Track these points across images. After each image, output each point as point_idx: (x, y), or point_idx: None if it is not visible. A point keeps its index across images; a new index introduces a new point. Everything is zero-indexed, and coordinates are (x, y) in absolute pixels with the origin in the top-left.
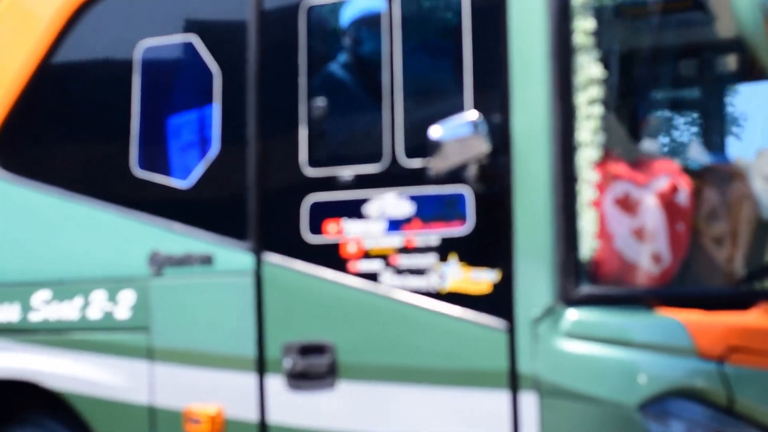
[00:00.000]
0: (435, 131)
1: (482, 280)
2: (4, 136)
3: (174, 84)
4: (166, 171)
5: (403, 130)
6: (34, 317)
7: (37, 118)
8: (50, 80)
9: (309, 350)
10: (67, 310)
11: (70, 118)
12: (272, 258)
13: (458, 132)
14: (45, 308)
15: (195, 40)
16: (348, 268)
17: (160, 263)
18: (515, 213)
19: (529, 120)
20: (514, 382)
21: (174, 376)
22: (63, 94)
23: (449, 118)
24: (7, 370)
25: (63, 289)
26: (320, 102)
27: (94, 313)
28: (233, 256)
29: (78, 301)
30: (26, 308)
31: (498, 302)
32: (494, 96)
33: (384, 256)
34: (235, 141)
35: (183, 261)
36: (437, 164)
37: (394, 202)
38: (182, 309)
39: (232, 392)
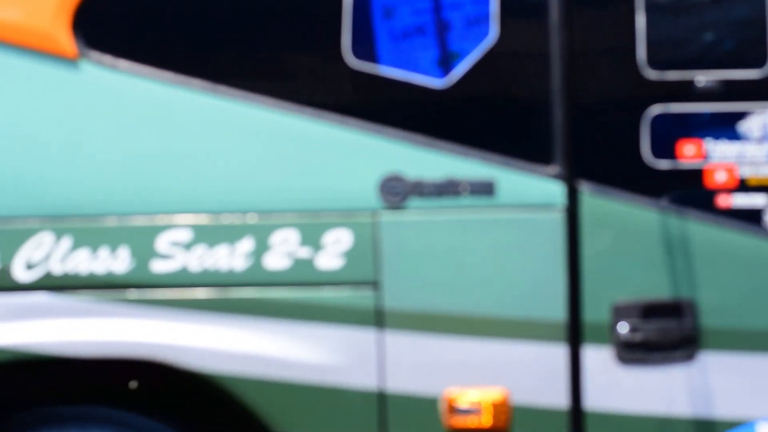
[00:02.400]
0: None
1: None
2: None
3: None
4: (404, 61)
5: None
6: (162, 267)
7: None
8: None
9: (656, 311)
10: (226, 258)
11: None
12: (592, 188)
13: None
14: (182, 254)
15: None
16: (715, 203)
17: (402, 192)
18: None
19: None
20: None
21: (418, 350)
22: None
23: None
24: (119, 346)
25: (215, 228)
26: None
27: (278, 263)
28: (529, 185)
29: (245, 244)
30: (148, 253)
31: None
32: None
33: None
34: (528, 23)
35: (444, 189)
36: None
37: None
38: (435, 256)
39: (522, 370)
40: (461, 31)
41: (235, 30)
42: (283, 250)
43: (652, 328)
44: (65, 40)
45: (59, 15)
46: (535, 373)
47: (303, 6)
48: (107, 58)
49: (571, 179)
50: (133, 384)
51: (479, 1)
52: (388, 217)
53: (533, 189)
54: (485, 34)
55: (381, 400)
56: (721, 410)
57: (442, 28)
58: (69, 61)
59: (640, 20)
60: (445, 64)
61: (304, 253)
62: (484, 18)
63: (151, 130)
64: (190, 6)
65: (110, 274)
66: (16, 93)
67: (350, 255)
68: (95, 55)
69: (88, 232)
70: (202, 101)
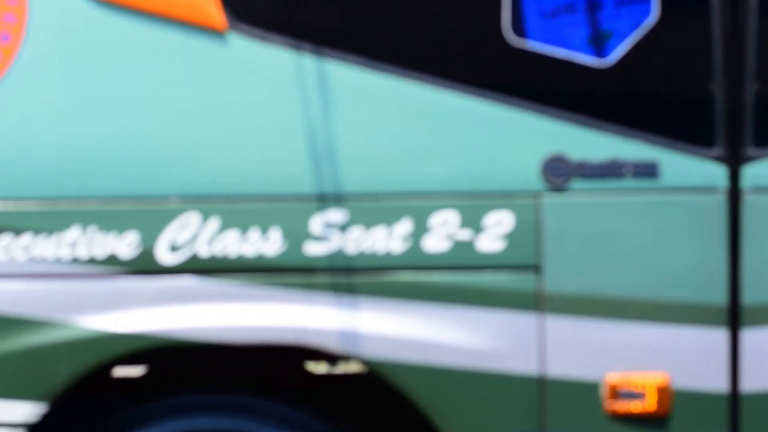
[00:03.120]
0: None
1: None
2: None
3: None
4: (562, 39)
5: None
6: (317, 249)
7: None
8: None
9: None
10: (383, 241)
11: None
12: (758, 171)
13: None
14: (336, 237)
15: None
16: None
17: (566, 173)
18: None
19: None
20: None
21: (579, 334)
22: None
23: None
24: (269, 332)
25: (372, 209)
26: None
27: (437, 245)
28: (692, 167)
29: (404, 226)
30: (301, 236)
31: None
32: None
33: None
34: (690, 2)
35: (607, 171)
36: None
37: None
38: (597, 239)
39: (684, 354)
40: (619, 10)
41: (395, 6)
42: (443, 232)
43: None
44: (215, 12)
45: None
46: (696, 357)
47: None
48: (256, 31)
49: (733, 162)
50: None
51: None
52: (550, 198)
53: (696, 171)
54: (646, 13)
55: (541, 385)
56: None
57: (598, 7)
58: (218, 33)
59: None
60: (602, 43)
61: (464, 235)
62: None
63: (301, 106)
64: None
65: (261, 257)
66: (164, 67)
67: (511, 237)
68: (244, 27)
69: (238, 213)
70: (357, 77)
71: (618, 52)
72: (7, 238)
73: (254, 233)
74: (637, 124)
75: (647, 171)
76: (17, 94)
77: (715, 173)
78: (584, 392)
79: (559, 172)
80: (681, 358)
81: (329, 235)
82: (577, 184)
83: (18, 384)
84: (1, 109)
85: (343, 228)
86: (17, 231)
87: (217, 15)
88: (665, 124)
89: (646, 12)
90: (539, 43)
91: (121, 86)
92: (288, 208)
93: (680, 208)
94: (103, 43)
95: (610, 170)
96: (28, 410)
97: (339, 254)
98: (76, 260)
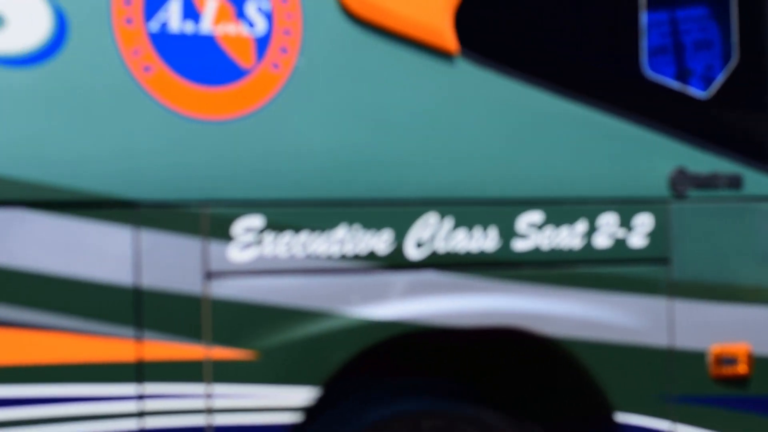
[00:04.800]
0: None
1: None
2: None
3: None
4: (678, 74)
5: None
6: (521, 246)
7: None
8: None
9: None
10: (567, 238)
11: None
12: None
13: None
14: (536, 235)
15: None
16: None
17: (686, 183)
18: None
19: None
20: None
21: (697, 314)
22: None
23: None
24: (487, 316)
25: (561, 211)
26: None
27: (603, 242)
28: (764, 180)
29: (581, 226)
30: (509, 234)
31: None
32: None
33: None
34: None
35: (709, 182)
36: None
37: None
38: (707, 237)
39: (762, 328)
40: (716, 51)
41: (574, 45)
42: (607, 231)
43: None
44: (450, 36)
45: (445, 12)
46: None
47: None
48: (478, 56)
49: None
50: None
51: (721, 25)
52: (675, 203)
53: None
54: (731, 56)
55: (670, 355)
56: None
57: (700, 48)
58: (449, 55)
59: None
60: (706, 79)
61: (621, 233)
62: (728, 42)
63: (512, 126)
64: (542, 23)
65: (482, 253)
66: (407, 82)
67: (651, 235)
68: (469, 51)
69: (466, 214)
70: (552, 103)
71: (712, 87)
72: (287, 236)
73: (477, 232)
74: (726, 144)
75: (733, 183)
76: (295, 102)
77: None
78: (698, 359)
79: (681, 182)
80: (759, 331)
81: (530, 233)
82: (692, 192)
83: (298, 370)
84: (282, 117)
85: (540, 227)
86: (296, 229)
87: (450, 39)
88: (749, 146)
89: (731, 54)
90: (664, 77)
91: (374, 98)
92: (501, 211)
93: (760, 212)
94: (359, 58)
95: (712, 181)
96: (306, 395)
97: (537, 250)
98: (343, 256)
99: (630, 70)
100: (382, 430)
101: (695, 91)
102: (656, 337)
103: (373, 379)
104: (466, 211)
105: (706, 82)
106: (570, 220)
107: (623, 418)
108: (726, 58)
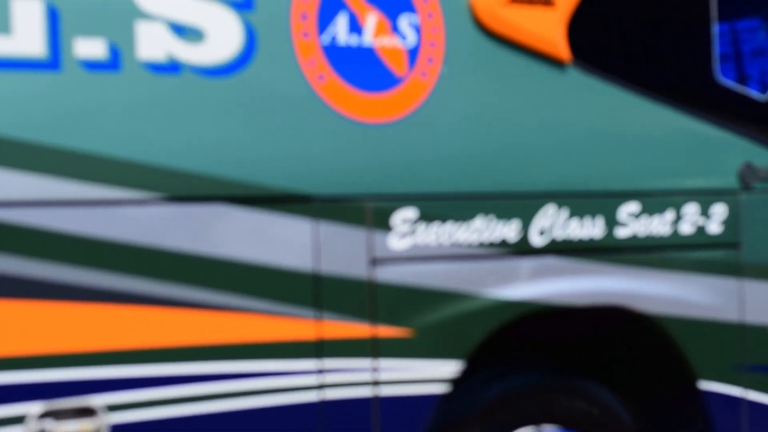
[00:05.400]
0: None
1: None
2: (583, 28)
3: None
4: (743, 79)
5: None
6: (622, 233)
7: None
8: None
9: None
10: (659, 226)
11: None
12: None
13: None
14: (634, 223)
15: None
16: None
17: (752, 176)
18: None
19: None
20: None
21: (762, 292)
22: None
23: None
24: (592, 295)
25: (654, 202)
26: None
27: (687, 229)
28: None
29: (670, 215)
30: (612, 223)
31: None
32: None
33: None
34: None
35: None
36: None
37: None
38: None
39: None
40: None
41: (663, 58)
42: (691, 219)
43: None
44: (563, 47)
45: (559, 26)
46: None
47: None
48: (586, 64)
49: None
50: None
51: None
52: (744, 195)
53: None
54: None
55: (741, 328)
56: None
57: (758, 52)
58: (562, 64)
59: None
60: (762, 83)
61: (702, 221)
62: None
63: (609, 126)
64: (641, 38)
65: (591, 240)
66: (526, 89)
67: (725, 223)
68: (580, 62)
69: (577, 206)
70: (639, 104)
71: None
72: (436, 226)
73: (587, 221)
74: None
75: None
76: (440, 106)
77: None
78: (763, 332)
79: (748, 176)
80: None
81: (629, 222)
82: (758, 184)
83: (446, 346)
84: (430, 120)
85: (637, 216)
86: (443, 220)
87: (564, 50)
88: None
89: None
90: (733, 82)
91: (503, 102)
92: (605, 202)
93: None
94: (490, 66)
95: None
96: (453, 368)
97: (633, 237)
98: (481, 244)
99: (705, 76)
100: (505, 402)
101: (755, 94)
102: (729, 313)
103: (502, 355)
104: (578, 203)
105: (763, 86)
106: (661, 209)
107: (704, 385)
108: None
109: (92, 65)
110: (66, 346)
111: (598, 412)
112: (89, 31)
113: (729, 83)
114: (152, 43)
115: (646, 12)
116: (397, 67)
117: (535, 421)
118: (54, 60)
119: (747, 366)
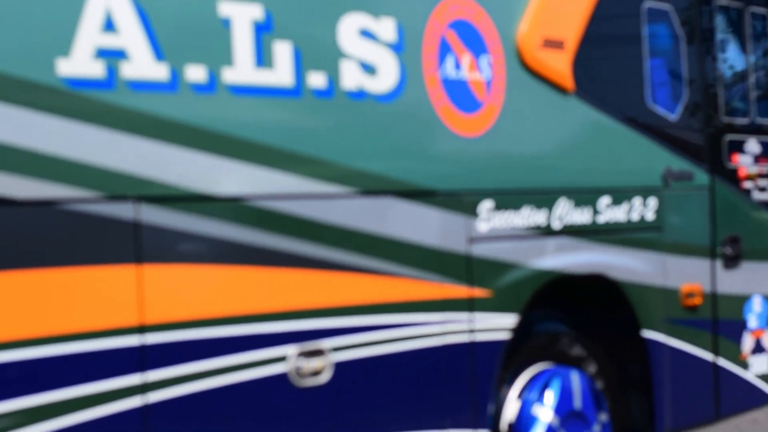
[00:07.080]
0: None
1: None
2: (580, 61)
3: (657, 36)
4: (661, 104)
5: None
6: (600, 219)
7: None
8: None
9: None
10: (619, 213)
11: (620, 53)
12: (719, 178)
13: None
14: (607, 211)
15: (670, 10)
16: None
17: (669, 177)
18: None
19: None
20: None
21: (676, 264)
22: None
23: None
24: (585, 266)
25: (619, 196)
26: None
27: (635, 216)
28: (700, 175)
29: (625, 205)
30: (595, 211)
31: None
32: None
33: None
34: (700, 91)
35: (679, 176)
36: None
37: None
38: (680, 212)
39: (704, 272)
40: (671, 87)
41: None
42: (637, 209)
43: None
44: (569, 79)
45: (568, 62)
46: (706, 274)
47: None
48: (584, 93)
49: (712, 173)
50: None
51: (678, 73)
52: (665, 191)
53: (701, 178)
54: (682, 93)
55: (664, 291)
56: None
57: (664, 84)
58: (566, 93)
59: (721, 92)
60: (671, 106)
61: (642, 211)
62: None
63: (596, 143)
64: (609, 73)
65: (583, 224)
66: (533, 110)
67: (655, 212)
68: (580, 92)
69: (580, 198)
70: (611, 125)
71: (677, 111)
72: (502, 213)
73: (582, 210)
74: (685, 151)
75: (690, 177)
76: (505, 124)
77: (705, 179)
78: (676, 294)
79: (668, 176)
80: (703, 275)
81: (603, 210)
82: (672, 183)
83: (509, 302)
84: (501, 134)
85: (608, 206)
86: (505, 209)
87: (570, 81)
88: (695, 152)
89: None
90: (658, 106)
91: (537, 119)
92: (590, 196)
93: (700, 196)
94: (530, 93)
95: (680, 176)
96: (514, 320)
97: (606, 222)
98: (527, 227)
99: (640, 102)
100: (534, 342)
101: (669, 115)
102: (657, 279)
103: (536, 310)
104: (580, 197)
105: (673, 109)
106: (620, 201)
107: (645, 333)
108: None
109: (318, 93)
110: (306, 304)
111: (585, 355)
112: (317, 66)
113: (655, 107)
114: (349, 77)
115: (609, 54)
116: (479, 94)
117: (546, 358)
118: (297, 89)
119: (668, 319)
